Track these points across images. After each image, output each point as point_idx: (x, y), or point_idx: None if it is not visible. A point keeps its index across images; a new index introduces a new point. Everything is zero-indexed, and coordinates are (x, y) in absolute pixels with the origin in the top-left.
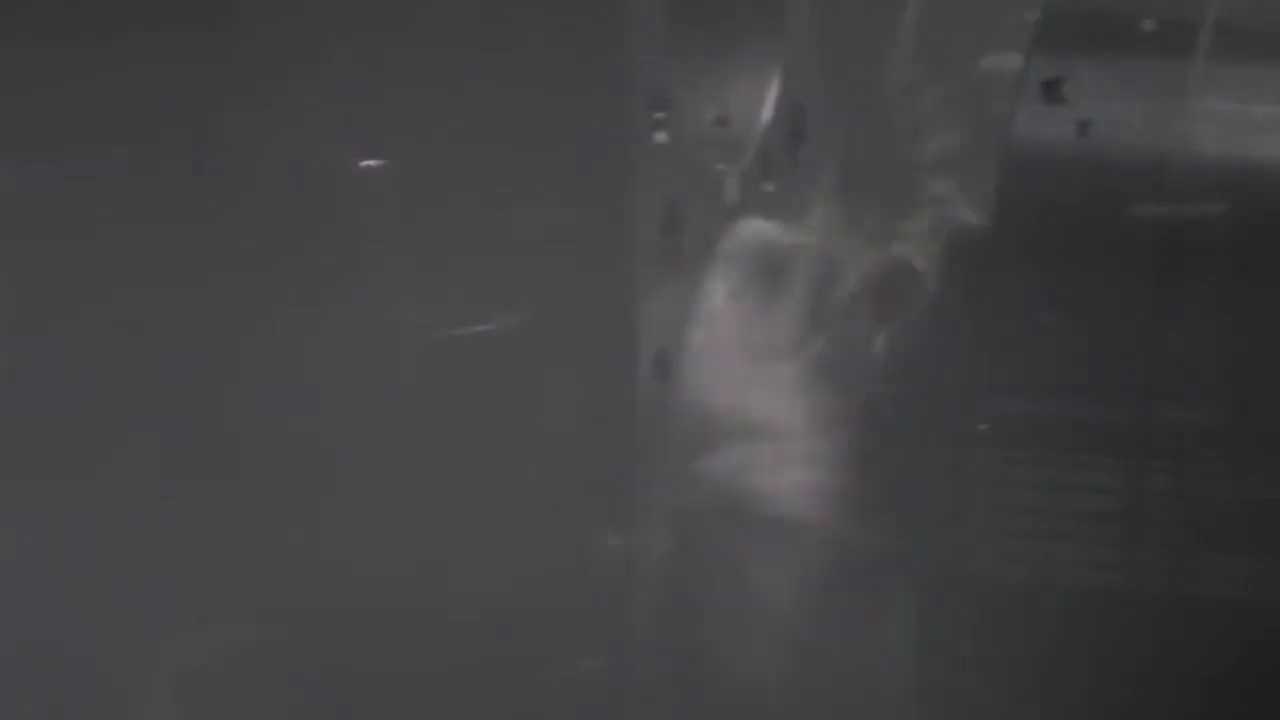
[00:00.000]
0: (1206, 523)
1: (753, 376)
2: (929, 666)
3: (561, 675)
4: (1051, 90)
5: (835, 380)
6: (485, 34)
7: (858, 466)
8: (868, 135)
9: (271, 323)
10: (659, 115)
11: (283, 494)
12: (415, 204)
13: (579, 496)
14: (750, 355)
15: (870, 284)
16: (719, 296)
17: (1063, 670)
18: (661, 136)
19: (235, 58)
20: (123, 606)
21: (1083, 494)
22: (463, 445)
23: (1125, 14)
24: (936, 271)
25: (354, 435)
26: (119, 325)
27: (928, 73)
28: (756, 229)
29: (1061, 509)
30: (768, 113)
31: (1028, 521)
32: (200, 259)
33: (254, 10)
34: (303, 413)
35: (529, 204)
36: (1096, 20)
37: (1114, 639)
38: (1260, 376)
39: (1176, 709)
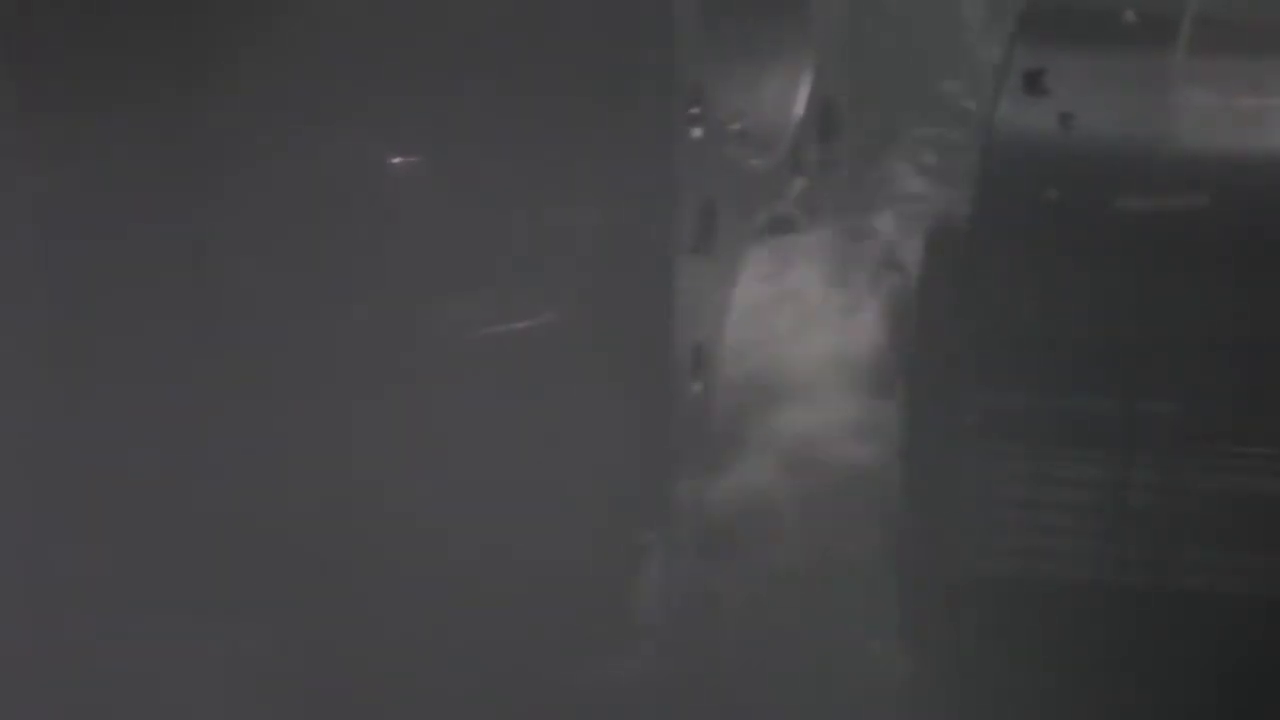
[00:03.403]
0: (1192, 515)
1: (785, 368)
2: (917, 658)
3: (593, 671)
4: (1033, 82)
5: (860, 370)
6: (521, 31)
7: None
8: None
9: (309, 321)
10: (694, 111)
11: (313, 492)
12: (453, 201)
13: (614, 492)
14: (783, 348)
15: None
16: (753, 291)
17: (1050, 660)
18: (697, 132)
19: (272, 56)
20: (168, 602)
21: (1068, 487)
22: (498, 441)
23: (1107, 7)
24: (921, 264)
25: (392, 431)
26: (150, 326)
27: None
28: (788, 224)
29: (1047, 501)
30: (799, 109)
31: (1014, 514)
32: (237, 259)
33: (289, 6)
34: (341, 410)
35: (566, 200)
36: (1078, 12)
37: (1100, 630)
38: (1244, 368)
39: (1163, 699)
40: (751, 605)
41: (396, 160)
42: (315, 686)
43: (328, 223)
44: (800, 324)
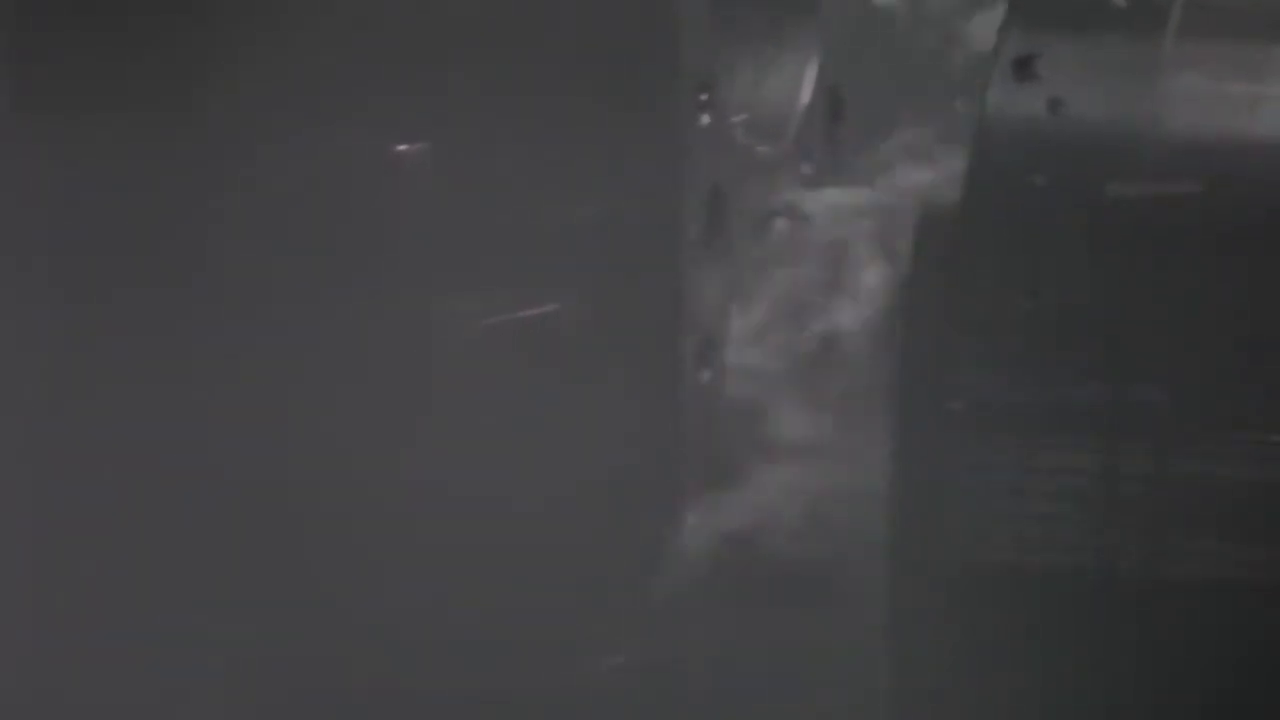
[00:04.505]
0: (1184, 504)
1: (792, 359)
2: (907, 649)
3: (599, 665)
4: (1024, 67)
5: (859, 359)
6: (526, 20)
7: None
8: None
9: (310, 319)
10: (703, 98)
11: (316, 489)
12: (457, 193)
13: (621, 482)
14: (788, 335)
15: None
16: (760, 280)
17: (1042, 650)
18: (705, 119)
19: (272, 55)
20: (171, 601)
21: (1057, 475)
22: (504, 433)
23: None
24: (910, 250)
25: (397, 426)
26: (151, 325)
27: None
28: (794, 211)
29: (1037, 490)
30: (806, 95)
31: (1004, 503)
32: (238, 257)
33: (289, 6)
34: (345, 407)
35: (572, 190)
36: None
37: (1091, 620)
38: (1236, 356)
39: (1155, 688)
40: (752, 598)
41: (400, 150)
42: (317, 685)
43: (329, 219)
44: (804, 312)
